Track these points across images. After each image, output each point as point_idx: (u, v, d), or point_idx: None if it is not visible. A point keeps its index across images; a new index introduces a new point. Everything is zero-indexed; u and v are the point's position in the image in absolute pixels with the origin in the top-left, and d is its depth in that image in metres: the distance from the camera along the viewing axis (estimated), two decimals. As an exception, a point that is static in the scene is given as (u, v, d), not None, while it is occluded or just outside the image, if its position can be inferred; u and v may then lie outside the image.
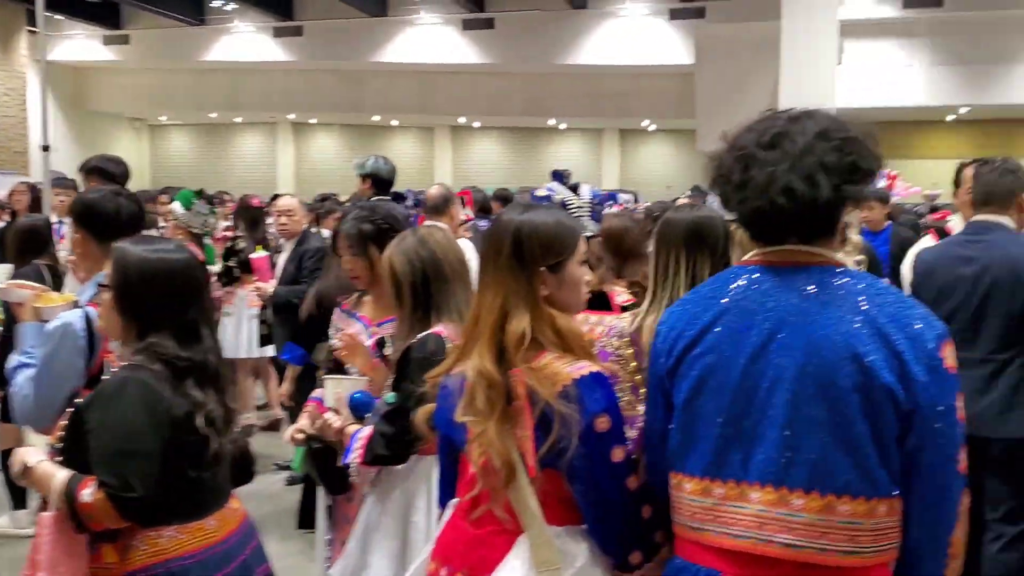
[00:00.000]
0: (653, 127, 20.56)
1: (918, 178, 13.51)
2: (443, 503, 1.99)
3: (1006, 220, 3.24)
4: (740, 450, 1.57)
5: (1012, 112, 17.77)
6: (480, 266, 1.86)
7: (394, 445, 2.45)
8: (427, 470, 2.53)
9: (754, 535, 1.55)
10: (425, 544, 2.30)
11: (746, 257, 1.70)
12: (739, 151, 1.62)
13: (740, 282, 1.64)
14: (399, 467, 2.56)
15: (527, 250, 1.77)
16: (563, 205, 2.86)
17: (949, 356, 1.55)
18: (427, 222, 4.25)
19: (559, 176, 2.96)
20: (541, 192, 2.90)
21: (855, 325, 1.52)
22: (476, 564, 1.77)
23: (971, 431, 3.16)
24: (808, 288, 1.57)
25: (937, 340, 1.54)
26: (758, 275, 1.63)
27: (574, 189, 2.94)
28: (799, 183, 1.54)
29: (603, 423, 1.67)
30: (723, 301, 1.63)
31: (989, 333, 3.18)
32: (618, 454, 1.69)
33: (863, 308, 1.54)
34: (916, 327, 1.53)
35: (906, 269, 3.92)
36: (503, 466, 1.68)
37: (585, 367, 1.71)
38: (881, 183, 6.15)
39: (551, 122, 20.47)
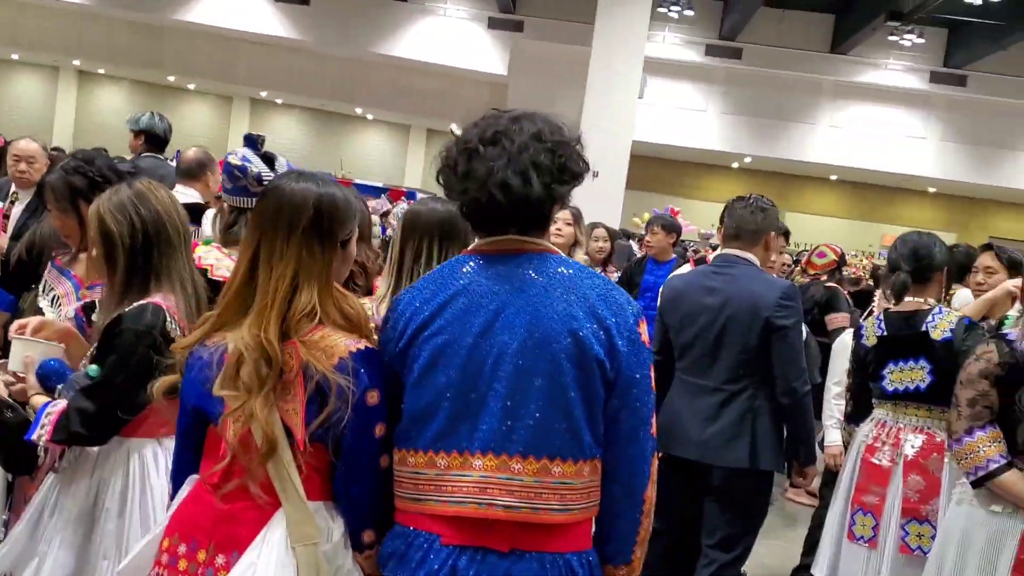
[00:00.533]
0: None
1: (700, 218, 14.31)
2: (178, 479, 1.89)
3: (752, 256, 3.35)
4: (467, 422, 1.68)
5: (788, 167, 19.20)
6: (260, 235, 1.76)
7: (94, 424, 2.17)
8: (127, 453, 2.28)
9: (475, 500, 1.66)
10: (121, 533, 2.23)
11: (472, 247, 1.83)
12: (464, 144, 1.73)
13: (467, 268, 1.75)
14: (94, 448, 2.28)
15: (327, 224, 1.76)
16: (258, 179, 2.65)
17: (644, 332, 1.75)
18: (179, 187, 3.94)
19: (252, 142, 2.73)
20: (235, 160, 2.65)
21: (571, 304, 1.69)
22: (224, 540, 1.73)
23: (697, 457, 3.33)
24: (529, 272, 1.72)
25: (635, 317, 1.74)
26: (483, 262, 1.75)
27: (270, 161, 2.73)
28: (515, 179, 1.67)
29: (373, 397, 1.71)
30: (453, 286, 1.73)
31: (724, 364, 3.27)
32: (380, 430, 1.73)
33: (577, 289, 1.71)
34: (620, 306, 1.73)
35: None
36: (265, 441, 1.66)
37: (361, 342, 1.74)
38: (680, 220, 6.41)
39: (358, 110, 20.09)
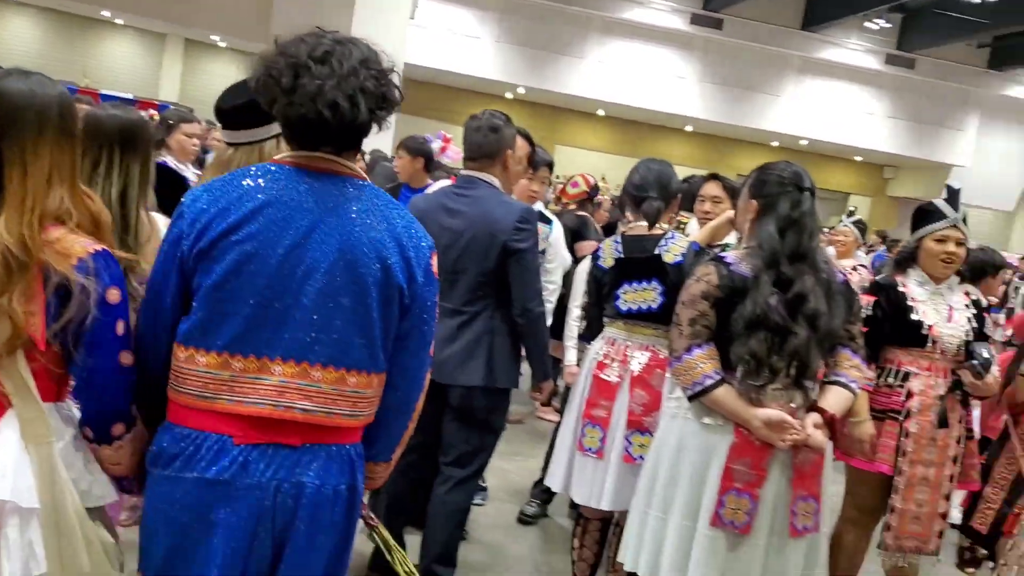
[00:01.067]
0: (224, 43, 19.46)
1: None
2: None
3: (491, 177, 3.35)
4: (268, 330, 1.78)
5: (559, 100, 19.62)
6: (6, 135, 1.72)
7: None
8: None
9: (273, 402, 1.79)
10: None
11: (279, 157, 1.87)
12: (291, 59, 1.77)
13: (274, 177, 1.82)
14: None
15: (70, 122, 1.79)
16: None
17: (435, 263, 1.97)
18: None
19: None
20: None
21: (381, 233, 1.84)
22: None
23: (435, 377, 3.28)
24: (345, 196, 1.84)
25: (429, 250, 1.94)
26: (295, 175, 1.83)
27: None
28: (344, 101, 1.76)
29: (114, 295, 1.74)
30: (260, 195, 1.79)
31: (463, 286, 3.28)
32: (120, 328, 1.76)
33: (388, 219, 1.87)
34: (419, 239, 1.93)
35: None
36: (4, 344, 1.66)
37: (98, 244, 1.76)
38: (437, 144, 6.28)
39: (105, 13, 18.38)
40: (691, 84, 18.86)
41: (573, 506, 4.35)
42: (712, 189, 3.80)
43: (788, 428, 2.61)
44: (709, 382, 2.64)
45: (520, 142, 3.58)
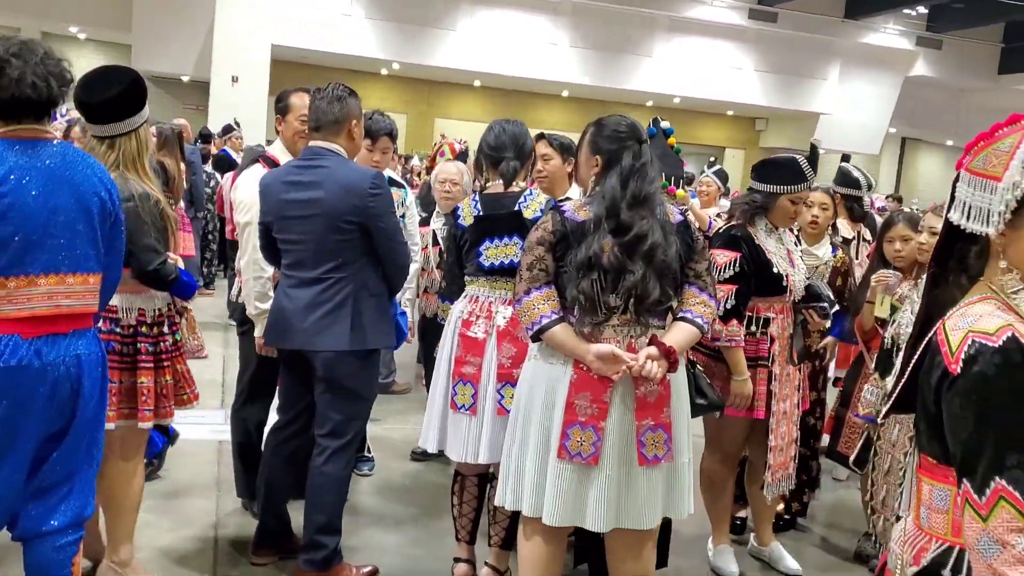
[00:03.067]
0: (84, 35, 18.67)
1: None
2: None
3: (337, 147, 3.36)
4: (30, 255, 2.50)
5: (435, 73, 19.52)
6: None
7: None
8: None
9: (46, 304, 2.54)
10: None
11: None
12: None
13: (7, 148, 2.48)
14: None
15: None
16: None
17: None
18: None
19: None
20: None
21: (90, 177, 2.62)
22: None
23: (300, 346, 3.36)
24: (56, 153, 2.57)
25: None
26: (18, 145, 2.50)
27: None
28: (40, 82, 2.46)
29: None
30: (9, 159, 2.47)
31: (323, 253, 3.29)
32: None
33: (89, 165, 2.65)
34: (111, 181, 2.75)
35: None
36: None
37: None
38: None
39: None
40: (563, 49, 19.02)
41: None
42: (541, 148, 3.89)
43: (619, 360, 2.73)
44: (546, 321, 2.78)
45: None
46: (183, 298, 3.34)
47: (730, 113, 23.06)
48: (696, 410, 3.64)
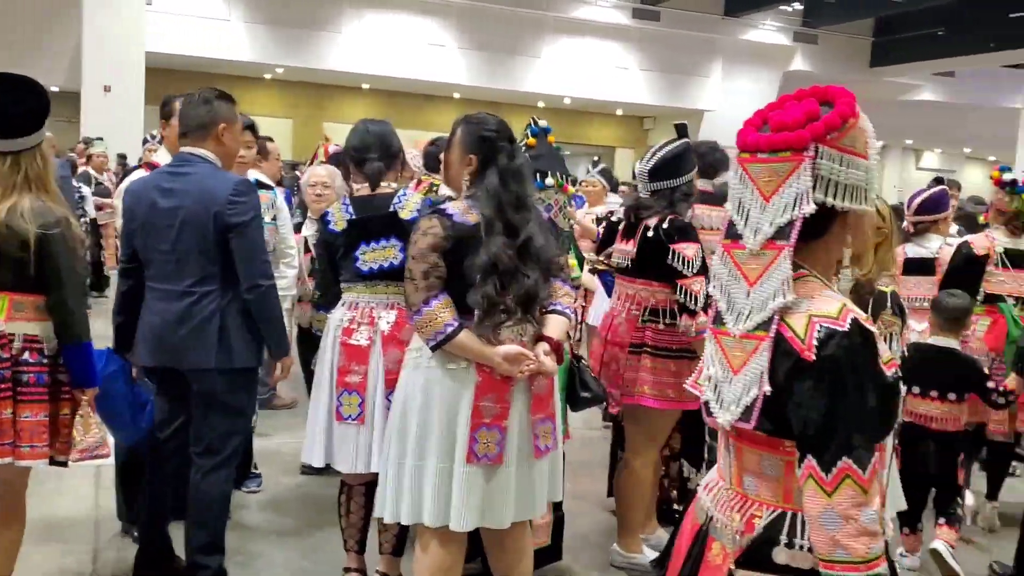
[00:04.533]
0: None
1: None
2: None
3: (206, 152, 3.24)
4: None
5: (322, 77, 19.23)
6: None
7: None
8: None
9: None
10: None
11: None
12: None
13: None
14: None
15: None
16: None
17: None
18: None
19: None
20: None
21: None
22: None
23: (171, 363, 3.24)
24: None
25: None
26: None
27: None
28: None
29: None
30: None
31: (188, 266, 3.17)
32: None
33: None
34: None
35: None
36: None
37: None
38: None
39: None
40: (451, 51, 18.99)
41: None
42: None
43: (525, 359, 2.78)
44: (450, 329, 2.74)
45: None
46: (81, 385, 2.97)
47: (619, 113, 23.43)
48: (580, 404, 3.67)
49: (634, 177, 4.08)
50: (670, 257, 3.59)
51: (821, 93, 1.65)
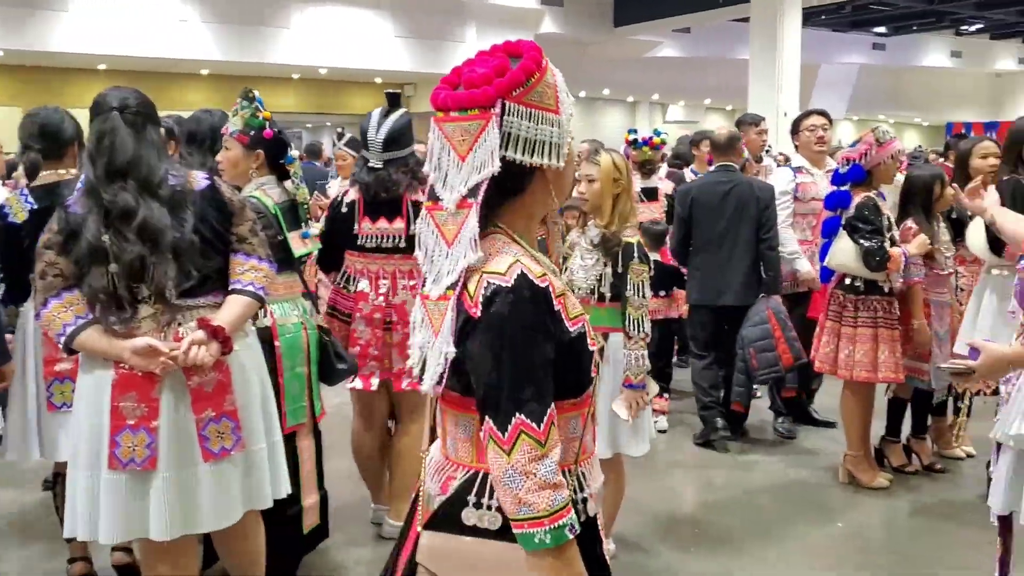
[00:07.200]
0: None
1: None
2: None
3: None
4: None
5: (49, 59, 17.78)
6: None
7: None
8: None
9: None
10: None
11: None
12: None
13: None
14: None
15: None
16: None
17: None
18: None
19: None
20: None
21: None
22: None
23: None
24: None
25: None
26: None
27: None
28: None
29: None
30: None
31: None
32: None
33: None
34: None
35: None
36: None
37: None
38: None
39: None
40: (195, 25, 18.06)
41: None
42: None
43: (158, 352, 2.57)
44: (71, 329, 2.59)
45: None
46: None
47: (378, 81, 23.20)
48: (336, 376, 3.65)
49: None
50: None
51: (513, 48, 1.63)
